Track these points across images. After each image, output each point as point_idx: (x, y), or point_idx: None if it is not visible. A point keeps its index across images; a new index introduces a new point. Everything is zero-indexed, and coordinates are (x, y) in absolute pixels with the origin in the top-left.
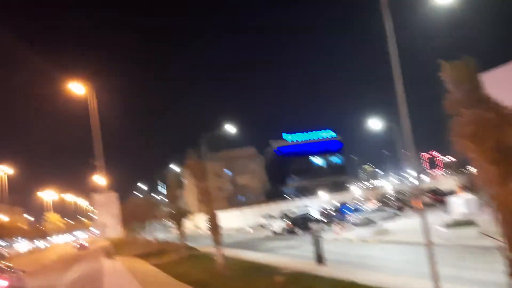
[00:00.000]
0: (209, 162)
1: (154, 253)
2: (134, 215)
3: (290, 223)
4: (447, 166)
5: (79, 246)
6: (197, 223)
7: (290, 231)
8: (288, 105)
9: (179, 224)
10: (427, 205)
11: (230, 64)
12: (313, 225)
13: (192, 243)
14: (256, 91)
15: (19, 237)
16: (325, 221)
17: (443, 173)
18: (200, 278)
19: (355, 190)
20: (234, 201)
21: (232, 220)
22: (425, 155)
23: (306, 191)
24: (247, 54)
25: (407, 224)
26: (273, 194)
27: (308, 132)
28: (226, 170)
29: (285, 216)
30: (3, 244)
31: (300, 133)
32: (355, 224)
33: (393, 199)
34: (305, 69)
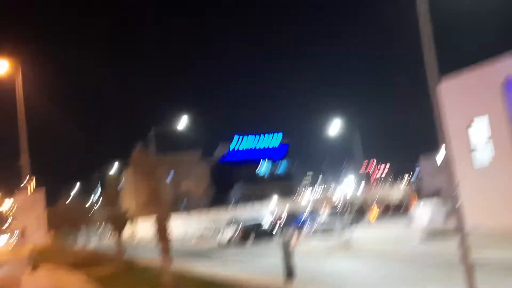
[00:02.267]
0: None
1: (85, 263)
2: (64, 220)
3: (241, 231)
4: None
5: None
6: (135, 230)
7: (241, 240)
8: (241, 108)
9: (118, 231)
10: (384, 215)
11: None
12: (287, 232)
13: (129, 252)
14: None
15: None
16: (279, 230)
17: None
18: None
19: (305, 197)
20: (175, 207)
21: (176, 227)
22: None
23: (252, 198)
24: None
25: (369, 234)
26: (218, 200)
27: (260, 135)
28: (169, 175)
29: (234, 223)
30: None
31: (251, 136)
32: (312, 233)
33: (347, 207)
34: (260, 70)
